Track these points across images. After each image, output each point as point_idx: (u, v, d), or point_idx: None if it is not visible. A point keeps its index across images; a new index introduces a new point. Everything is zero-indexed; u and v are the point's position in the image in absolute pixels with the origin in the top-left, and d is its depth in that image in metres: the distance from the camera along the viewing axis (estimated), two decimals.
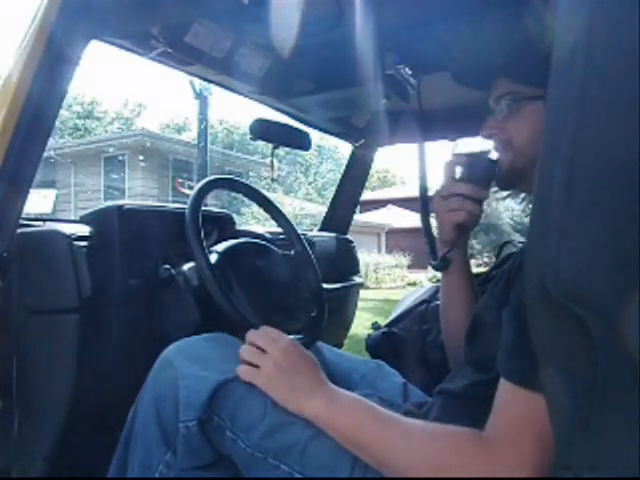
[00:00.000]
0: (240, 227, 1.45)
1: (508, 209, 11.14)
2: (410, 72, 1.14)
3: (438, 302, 1.17)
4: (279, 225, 1.27)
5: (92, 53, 1.00)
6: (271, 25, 0.96)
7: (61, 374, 0.95)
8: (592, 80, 0.33)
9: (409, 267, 13.64)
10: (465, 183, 0.83)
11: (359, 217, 14.15)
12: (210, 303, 0.94)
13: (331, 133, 1.78)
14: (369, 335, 1.38)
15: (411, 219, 16.19)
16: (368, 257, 11.97)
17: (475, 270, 1.00)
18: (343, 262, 1.91)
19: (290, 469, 0.65)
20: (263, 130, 1.24)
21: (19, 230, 0.94)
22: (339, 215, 2.00)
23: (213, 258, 1.04)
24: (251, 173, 14.71)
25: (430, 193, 1.02)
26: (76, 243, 0.95)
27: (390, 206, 19.31)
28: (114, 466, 0.79)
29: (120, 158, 13.08)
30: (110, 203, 1.10)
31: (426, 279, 11.56)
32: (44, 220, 1.09)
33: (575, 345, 0.36)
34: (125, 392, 0.83)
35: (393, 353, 1.28)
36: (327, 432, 0.65)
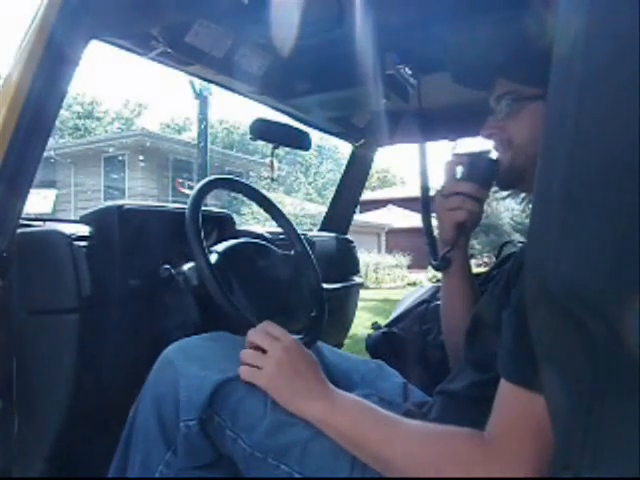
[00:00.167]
0: (240, 227, 1.45)
1: (508, 209, 11.14)
2: (410, 72, 1.14)
3: (438, 302, 1.17)
4: (279, 225, 1.27)
5: (92, 53, 1.00)
6: (271, 25, 0.96)
7: (61, 374, 0.95)
8: (591, 79, 0.33)
9: (409, 267, 13.64)
10: (466, 182, 0.83)
11: (359, 217, 14.15)
12: (210, 303, 0.94)
13: (331, 133, 1.78)
14: (369, 335, 1.38)
15: (411, 219, 16.19)
16: (368, 257, 11.97)
17: (475, 270, 1.00)
18: (343, 262, 1.91)
19: (290, 469, 0.65)
20: (263, 130, 1.24)
21: (19, 230, 0.94)
22: (339, 215, 2.00)
23: (213, 258, 1.04)
24: (251, 173, 14.70)
25: (431, 193, 1.01)
26: (76, 243, 0.95)
27: (390, 206, 19.32)
28: (114, 466, 0.79)
29: (120, 158, 13.07)
30: (110, 203, 1.10)
31: (426, 279, 11.56)
32: (44, 220, 1.09)
33: (575, 345, 0.36)
34: (125, 392, 0.83)
35: (393, 353, 1.28)
36: (327, 433, 0.65)
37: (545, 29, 0.60)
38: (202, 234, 0.98)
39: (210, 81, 1.31)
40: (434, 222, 0.96)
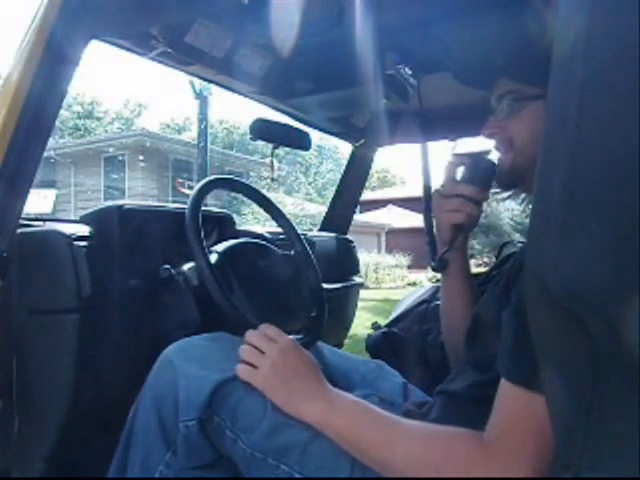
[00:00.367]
0: (240, 227, 1.45)
1: (508, 209, 11.14)
2: (410, 72, 1.14)
3: (438, 302, 1.17)
4: (279, 225, 1.26)
5: (92, 53, 1.00)
6: (271, 25, 0.96)
7: (61, 374, 0.95)
8: (592, 80, 0.33)
9: (409, 267, 13.64)
10: (467, 184, 0.83)
11: (359, 217, 14.15)
12: (210, 303, 0.94)
13: (331, 133, 1.78)
14: (369, 335, 1.38)
15: (411, 219, 16.20)
16: (368, 257, 11.97)
17: (475, 270, 0.99)
18: (343, 262, 1.90)
19: (290, 469, 0.65)
20: (263, 130, 1.24)
21: (19, 230, 0.94)
22: (339, 215, 2.00)
23: (213, 258, 1.04)
24: (251, 173, 14.71)
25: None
26: (76, 243, 0.95)
27: (390, 206, 19.31)
28: (114, 466, 0.79)
29: (120, 158, 13.07)
30: (110, 203, 1.10)
31: (426, 279, 11.56)
32: (44, 220, 1.09)
33: (575, 345, 0.36)
34: (125, 392, 0.83)
35: (393, 353, 1.28)
36: (326, 434, 0.65)
37: (546, 28, 0.60)
38: (202, 234, 0.98)
39: (210, 81, 1.31)
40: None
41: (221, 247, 1.10)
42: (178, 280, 1.07)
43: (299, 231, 1.28)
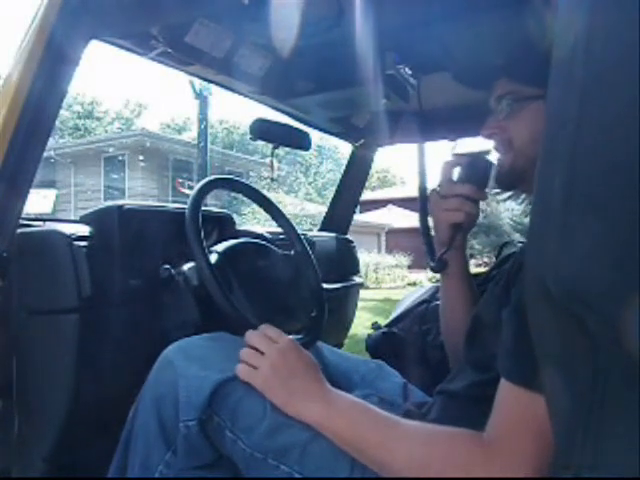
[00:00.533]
0: (240, 227, 1.45)
1: (508, 209, 11.14)
2: (410, 72, 1.14)
3: (438, 302, 1.17)
4: (279, 225, 1.27)
5: (92, 53, 1.00)
6: (271, 25, 0.96)
7: (61, 374, 0.95)
8: (592, 80, 0.33)
9: (409, 267, 13.64)
10: (465, 184, 0.83)
11: (359, 217, 14.15)
12: (210, 303, 0.94)
13: (331, 133, 1.78)
14: (369, 335, 1.38)
15: (411, 219, 16.18)
16: (368, 257, 11.97)
17: (475, 270, 0.99)
18: (343, 262, 1.90)
19: (290, 469, 0.65)
20: (263, 130, 1.24)
21: (19, 230, 0.94)
22: (339, 215, 2.00)
23: (213, 258, 1.04)
24: (251, 173, 14.70)
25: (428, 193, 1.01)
26: (76, 243, 0.95)
27: (390, 206, 19.31)
28: (114, 466, 0.79)
29: (120, 158, 13.07)
30: (110, 203, 1.10)
31: (426, 279, 11.56)
32: (44, 220, 1.09)
33: (575, 345, 0.36)
34: (125, 392, 0.83)
35: (393, 353, 1.28)
36: (325, 435, 0.65)
37: (546, 28, 0.60)
38: (202, 234, 0.98)
39: (210, 81, 1.31)
40: (431, 223, 0.96)
41: (221, 247, 1.10)
42: (178, 280, 1.07)
43: (299, 231, 1.28)
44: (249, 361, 0.71)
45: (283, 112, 1.52)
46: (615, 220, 0.32)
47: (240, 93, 1.36)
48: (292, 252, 1.24)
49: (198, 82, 8.36)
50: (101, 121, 28.05)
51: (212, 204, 8.07)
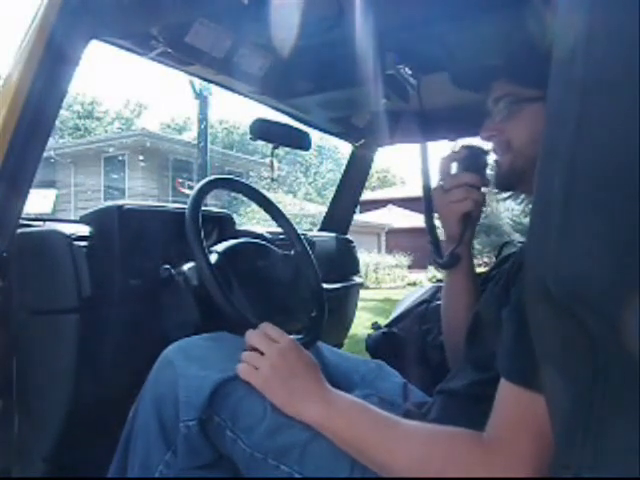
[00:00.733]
0: (240, 227, 1.45)
1: (508, 209, 11.14)
2: (410, 72, 1.14)
3: (438, 302, 1.17)
4: (279, 225, 1.26)
5: (92, 53, 1.00)
6: (271, 25, 0.96)
7: (61, 374, 0.95)
8: (592, 81, 0.33)
9: (409, 267, 13.64)
10: (467, 173, 0.85)
11: (359, 217, 14.15)
12: (210, 303, 0.94)
13: (331, 133, 1.78)
14: (369, 335, 1.38)
15: (411, 219, 16.20)
16: (368, 257, 11.97)
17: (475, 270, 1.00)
18: (343, 262, 1.90)
19: (290, 469, 0.65)
20: (263, 130, 1.24)
21: (19, 230, 0.94)
22: (339, 215, 2.01)
23: (213, 258, 1.04)
24: (251, 173, 14.70)
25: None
26: (76, 243, 0.95)
27: (390, 206, 19.32)
28: (114, 466, 0.79)
29: (120, 158, 13.08)
30: (110, 203, 1.10)
31: (426, 279, 11.56)
32: (44, 220, 1.09)
33: (575, 345, 0.36)
34: (125, 392, 0.83)
35: (393, 353, 1.28)
36: (325, 435, 0.65)
37: (545, 30, 0.60)
38: (202, 234, 0.98)
39: (210, 81, 1.31)
40: (437, 222, 0.97)
41: (221, 247, 1.10)
42: (178, 280, 1.07)
43: (299, 231, 1.28)
44: (249, 361, 0.71)
45: (283, 112, 1.52)
46: (615, 220, 0.32)
47: (240, 93, 1.36)
48: (292, 252, 1.24)
49: (198, 82, 8.37)
50: (101, 121, 28.06)
51: (212, 204, 8.07)
